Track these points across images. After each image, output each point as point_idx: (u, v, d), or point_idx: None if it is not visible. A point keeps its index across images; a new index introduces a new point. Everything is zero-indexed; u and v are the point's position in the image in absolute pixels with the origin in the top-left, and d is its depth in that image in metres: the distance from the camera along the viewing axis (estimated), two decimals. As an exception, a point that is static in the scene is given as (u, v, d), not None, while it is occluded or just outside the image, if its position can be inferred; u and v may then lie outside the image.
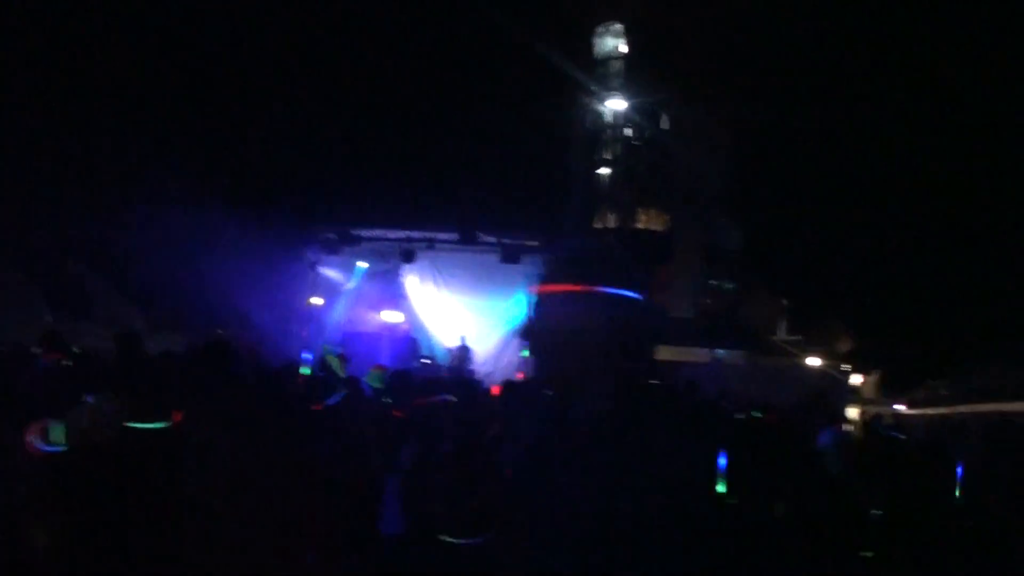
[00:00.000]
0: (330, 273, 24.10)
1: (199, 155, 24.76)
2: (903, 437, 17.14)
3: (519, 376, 19.88)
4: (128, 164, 25.48)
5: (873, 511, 6.81)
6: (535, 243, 22.15)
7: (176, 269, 23.35)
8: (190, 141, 24.75)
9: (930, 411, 30.33)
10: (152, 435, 3.31)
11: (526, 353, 22.40)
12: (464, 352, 22.03)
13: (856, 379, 34.47)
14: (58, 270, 24.63)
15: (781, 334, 32.77)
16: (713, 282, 31.84)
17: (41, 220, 24.57)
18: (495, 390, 10.26)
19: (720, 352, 25.54)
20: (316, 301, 23.53)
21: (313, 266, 23.26)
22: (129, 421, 3.40)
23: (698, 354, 24.70)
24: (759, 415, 13.32)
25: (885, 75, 32.99)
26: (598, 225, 29.84)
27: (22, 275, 24.03)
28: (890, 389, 38.96)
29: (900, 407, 35.30)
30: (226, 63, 26.48)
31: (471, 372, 20.63)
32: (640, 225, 30.50)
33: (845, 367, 32.03)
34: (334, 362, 9.68)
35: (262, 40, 26.84)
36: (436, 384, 7.05)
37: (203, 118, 25.05)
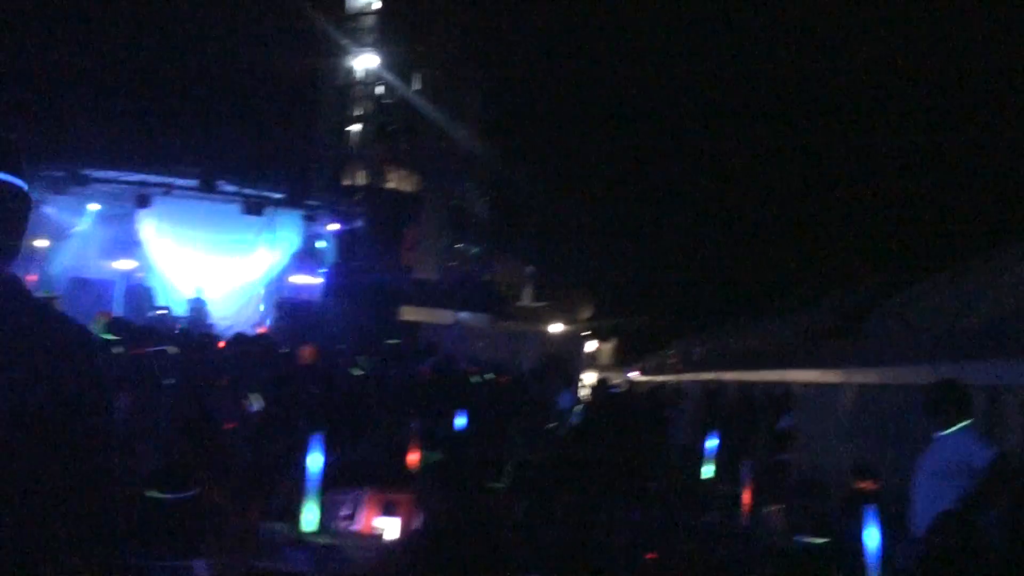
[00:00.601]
0: (56, 214, 22.50)
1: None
2: (621, 390, 18.23)
3: (261, 331, 19.36)
4: None
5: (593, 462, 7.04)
6: (279, 196, 21.56)
7: None
8: None
9: (659, 378, 32.07)
10: None
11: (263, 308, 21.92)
12: (201, 304, 21.19)
13: (593, 346, 35.89)
14: None
15: (526, 300, 33.58)
16: (460, 245, 32.16)
17: None
18: (221, 344, 9.89)
19: (464, 315, 25.82)
20: (40, 243, 21.91)
21: (37, 205, 21.61)
22: None
23: (442, 316, 24.88)
24: (492, 376, 13.61)
25: (625, 38, 34.28)
26: (347, 182, 29.38)
27: None
28: (624, 357, 40.91)
29: (633, 374, 37.18)
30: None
31: (208, 325, 19.87)
32: (389, 184, 30.27)
33: (585, 334, 33.30)
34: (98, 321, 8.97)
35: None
36: (159, 334, 6.64)
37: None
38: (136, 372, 5.79)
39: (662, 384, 28.20)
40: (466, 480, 6.95)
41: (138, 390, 5.57)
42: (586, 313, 35.89)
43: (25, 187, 2.07)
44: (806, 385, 14.38)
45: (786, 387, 14.99)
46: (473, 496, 6.59)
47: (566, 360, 21.75)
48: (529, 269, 34.73)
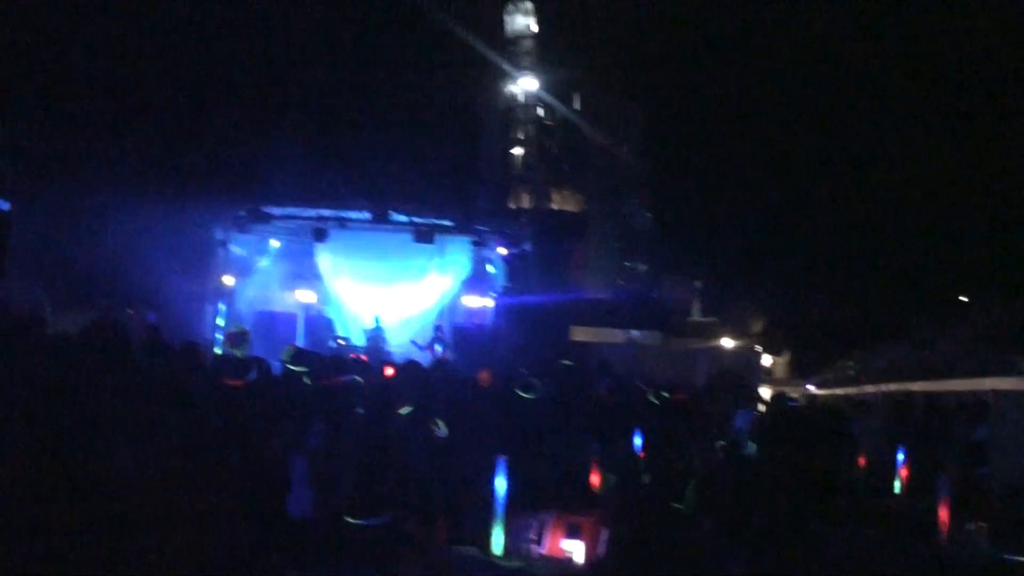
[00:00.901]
0: (241, 251, 23.60)
1: (106, 130, 24.04)
2: (800, 403, 17.51)
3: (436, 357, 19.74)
4: (29, 137, 24.65)
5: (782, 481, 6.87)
6: (449, 223, 21.96)
7: (83, 247, 22.70)
8: (97, 115, 24.00)
9: (839, 391, 31.03)
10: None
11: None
12: (378, 333, 21.77)
13: (768, 360, 35.09)
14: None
15: (695, 315, 33.16)
16: (627, 263, 32.02)
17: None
18: (389, 372, 10.13)
19: (634, 333, 25.67)
20: (227, 280, 23.01)
21: (223, 244, 22.73)
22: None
23: (612, 335, 24.80)
24: (667, 395, 13.43)
25: (804, 57, 33.48)
26: (513, 206, 29.74)
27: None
28: (800, 370, 39.75)
29: (810, 387, 36.07)
30: (138, 38, 25.78)
31: (386, 353, 20.42)
32: (554, 206, 30.47)
33: (757, 348, 32.57)
34: (225, 340, 9.32)
35: (175, 15, 26.17)
36: (345, 364, 6.87)
37: (111, 92, 24.30)
38: (328, 402, 6.00)
39: (843, 397, 27.30)
40: (649, 501, 6.91)
41: (330, 419, 5.78)
42: (758, 327, 35.14)
43: (6, 207, 2.20)
44: (1002, 393, 13.65)
45: (978, 396, 14.28)
46: (658, 517, 6.55)
47: (741, 375, 21.31)
48: (698, 284, 34.26)
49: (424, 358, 20.69)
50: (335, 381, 6.16)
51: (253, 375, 6.48)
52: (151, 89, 24.42)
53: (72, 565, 3.29)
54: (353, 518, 4.21)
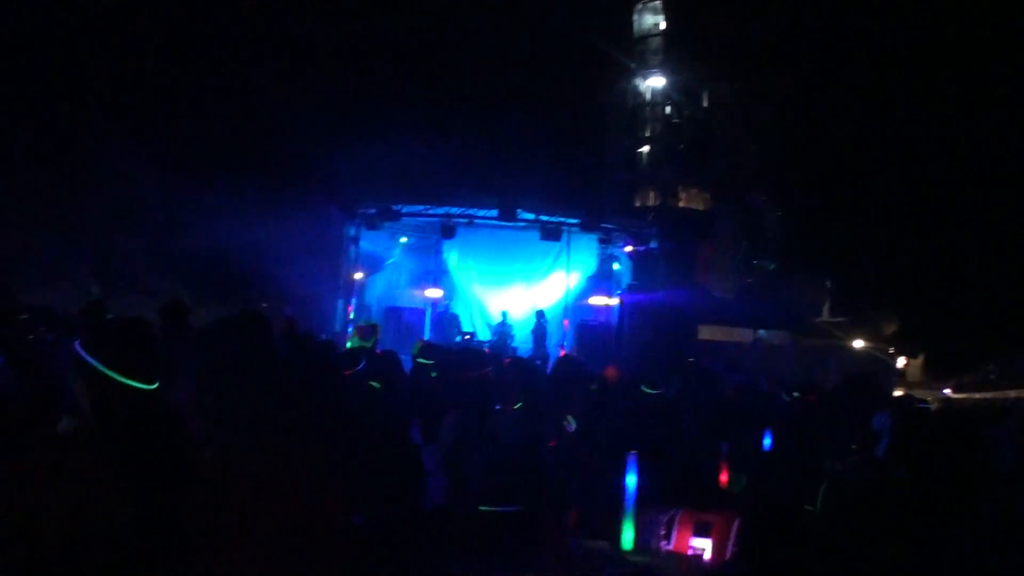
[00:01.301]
0: (371, 248, 24.17)
1: (243, 131, 24.87)
2: (931, 407, 16.80)
3: (562, 352, 19.84)
4: (171, 138, 25.67)
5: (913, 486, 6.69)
6: (575, 221, 22.03)
7: (220, 244, 23.54)
8: (234, 117, 24.85)
9: (977, 395, 29.90)
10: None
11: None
12: (504, 328, 22.01)
13: (902, 362, 34.04)
14: (104, 244, 24.92)
15: (825, 315, 32.42)
16: (755, 261, 31.50)
17: (87, 194, 24.86)
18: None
19: (762, 332, 25.30)
20: (357, 276, 23.61)
21: (354, 241, 23.32)
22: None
23: (740, 334, 24.48)
24: (798, 395, 13.16)
25: (935, 52, 32.40)
26: (639, 204, 29.60)
27: (69, 249, 24.33)
28: (936, 372, 38.36)
29: (947, 391, 34.79)
30: (272, 39, 26.59)
31: (512, 348, 20.64)
32: (681, 204, 30.20)
33: (890, 350, 31.63)
34: (355, 332, 9.62)
35: (306, 17, 26.87)
36: (476, 357, 6.97)
37: (247, 94, 25.13)
38: (463, 396, 6.12)
39: (980, 401, 26.30)
40: (780, 502, 6.83)
41: (465, 412, 5.90)
42: (892, 328, 34.16)
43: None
44: None
45: None
46: (788, 518, 6.47)
47: (873, 377, 20.76)
48: (828, 283, 33.50)
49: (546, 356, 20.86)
50: (470, 374, 6.27)
51: (362, 365, 6.67)
52: (291, 90, 25.15)
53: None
54: (486, 506, 4.28)
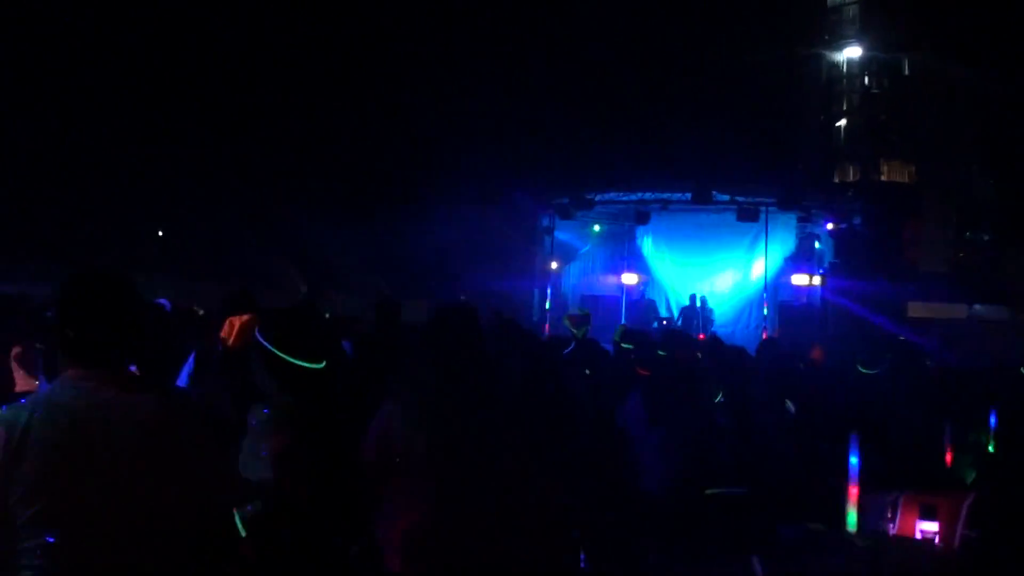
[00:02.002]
0: (565, 238, 24.35)
1: (438, 128, 25.49)
2: None
3: (764, 335, 19.48)
4: (367, 135, 26.59)
5: None
6: (772, 200, 21.50)
7: (419, 240, 24.22)
8: (428, 114, 25.50)
9: None
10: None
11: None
12: (704, 312, 21.76)
13: None
14: (310, 245, 26.05)
15: (1046, 287, 30.50)
16: (967, 234, 29.91)
17: (290, 199, 26.07)
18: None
19: (977, 307, 24.01)
20: (553, 266, 23.82)
21: (549, 231, 23.55)
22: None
23: (954, 310, 23.30)
24: (1024, 371, 12.41)
25: None
26: (839, 180, 28.62)
27: (278, 251, 25.59)
28: None
29: None
30: (459, 32, 27.14)
31: (712, 333, 20.36)
32: (883, 178, 29.02)
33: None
34: (567, 321, 9.78)
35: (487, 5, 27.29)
36: (684, 341, 6.92)
37: (440, 90, 25.73)
38: (668, 379, 6.09)
39: None
40: (1010, 483, 6.49)
41: (674, 395, 5.88)
42: (1122, 298, 31.80)
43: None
44: None
45: None
46: (1020, 500, 6.14)
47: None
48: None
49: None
50: (682, 355, 6.24)
51: (572, 347, 6.72)
52: (485, 83, 25.57)
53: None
54: (716, 489, 4.26)
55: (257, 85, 26.31)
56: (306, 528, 3.27)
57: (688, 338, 6.64)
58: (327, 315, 9.68)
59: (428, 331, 3.86)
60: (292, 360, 3.40)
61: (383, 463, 3.51)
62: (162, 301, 8.39)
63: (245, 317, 3.68)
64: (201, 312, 9.22)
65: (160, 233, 27.56)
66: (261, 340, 3.43)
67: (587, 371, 6.49)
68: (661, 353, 6.08)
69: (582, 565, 5.62)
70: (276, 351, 3.40)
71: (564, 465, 4.28)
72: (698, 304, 22.38)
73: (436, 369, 3.69)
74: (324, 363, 3.49)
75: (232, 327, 3.54)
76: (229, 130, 25.62)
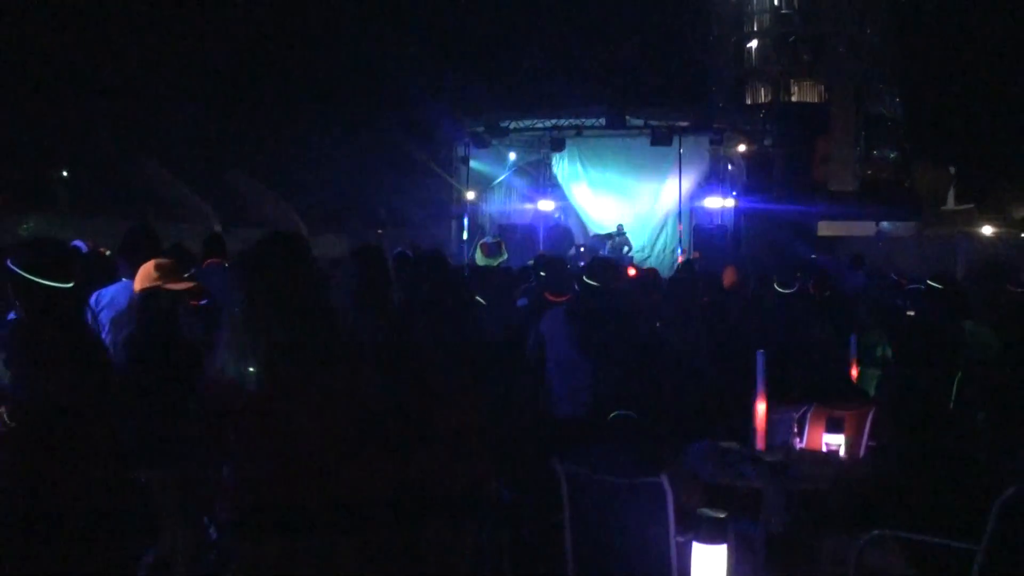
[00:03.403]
0: (482, 167, 24.21)
1: (348, 60, 25.06)
2: None
3: (680, 259, 19.70)
4: (279, 75, 26.04)
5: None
6: (686, 123, 21.62)
7: (331, 173, 23.92)
8: (339, 46, 25.04)
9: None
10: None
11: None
12: (620, 238, 21.89)
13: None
14: (223, 180, 25.59)
15: (950, 203, 31.36)
16: (875, 152, 30.52)
17: (204, 135, 25.51)
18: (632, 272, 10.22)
19: (885, 225, 24.60)
20: (470, 196, 23.73)
21: (465, 161, 23.39)
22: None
23: (862, 228, 23.85)
24: (932, 285, 12.73)
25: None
26: (750, 101, 28.90)
27: (189, 188, 25.10)
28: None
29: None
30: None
31: (629, 258, 20.55)
32: (794, 98, 29.38)
33: (1022, 234, 30.44)
34: (480, 251, 9.70)
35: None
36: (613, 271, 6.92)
37: (349, 23, 25.26)
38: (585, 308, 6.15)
39: None
40: (914, 395, 6.70)
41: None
42: (1022, 209, 32.84)
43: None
44: None
45: None
46: (923, 411, 6.36)
47: (1008, 262, 20.04)
48: (952, 169, 32.28)
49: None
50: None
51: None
52: (392, 17, 25.19)
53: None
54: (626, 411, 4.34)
55: (162, 16, 25.54)
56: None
57: (617, 267, 6.64)
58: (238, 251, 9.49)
59: (249, 263, 3.80)
60: (37, 279, 3.52)
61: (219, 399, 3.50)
62: (78, 243, 8.17)
63: (167, 262, 3.63)
64: (108, 252, 9.00)
65: (65, 173, 26.81)
66: (10, 266, 3.54)
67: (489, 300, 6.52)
68: (592, 283, 6.09)
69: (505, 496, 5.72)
70: (22, 272, 3.51)
71: (458, 395, 4.33)
72: (603, 230, 22.53)
73: (253, 302, 3.60)
74: (71, 283, 3.63)
75: (144, 273, 3.52)
76: (139, 60, 24.91)
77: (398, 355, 4.22)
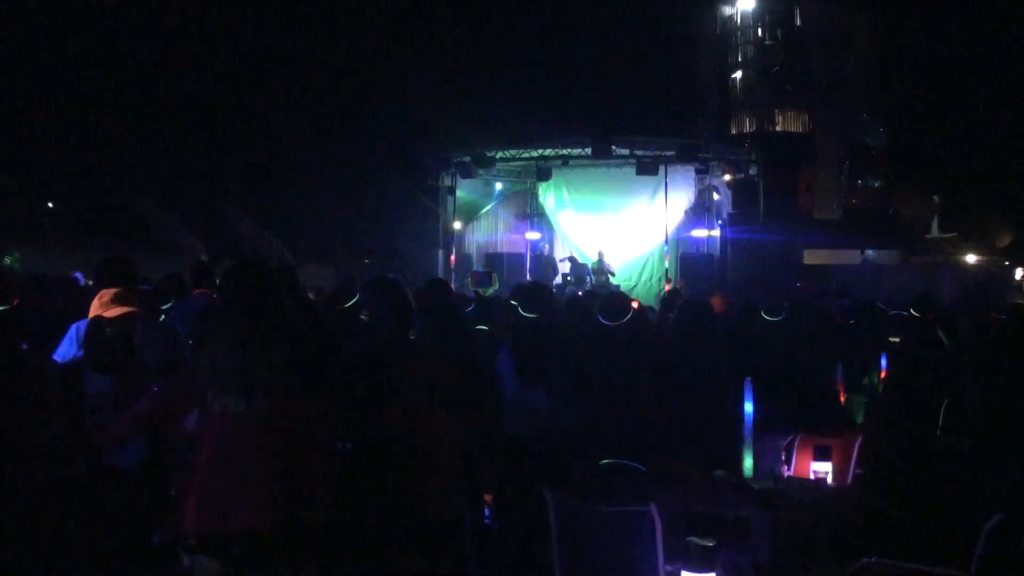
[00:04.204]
0: (468, 197, 24.27)
1: (334, 90, 25.14)
2: None
3: (667, 287, 19.73)
4: (267, 105, 26.09)
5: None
6: (671, 153, 21.72)
7: (319, 204, 23.91)
8: (326, 76, 25.14)
9: (1101, 302, 28.68)
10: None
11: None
12: (604, 267, 21.92)
13: (1019, 274, 32.85)
14: (211, 215, 25.57)
15: (934, 231, 31.50)
16: (859, 181, 30.69)
17: (193, 168, 25.51)
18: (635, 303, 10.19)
19: (870, 253, 24.70)
20: (456, 225, 23.76)
21: (451, 191, 23.43)
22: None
23: (848, 256, 23.95)
24: (916, 314, 12.76)
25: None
26: (735, 131, 29.06)
27: (178, 220, 25.07)
28: (1058, 284, 36.88)
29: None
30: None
31: (615, 286, 20.56)
32: (778, 128, 29.55)
33: (1006, 262, 30.58)
34: (469, 280, 9.68)
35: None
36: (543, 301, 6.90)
37: (336, 52, 25.36)
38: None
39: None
40: (900, 424, 6.71)
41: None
42: (1006, 240, 33.00)
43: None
44: None
45: None
46: (910, 440, 6.36)
47: (991, 291, 20.14)
48: (936, 198, 32.47)
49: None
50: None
51: (471, 309, 6.77)
52: (380, 45, 25.29)
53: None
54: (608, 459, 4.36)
55: (153, 48, 25.62)
56: None
57: (547, 297, 6.63)
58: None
59: (224, 290, 3.92)
60: None
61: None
62: (76, 275, 8.18)
63: (111, 291, 3.63)
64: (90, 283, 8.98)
65: (51, 205, 26.74)
66: None
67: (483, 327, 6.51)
68: (528, 315, 6.12)
69: (487, 520, 5.69)
70: None
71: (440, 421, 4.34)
72: (583, 259, 22.56)
73: (226, 331, 3.69)
74: (6, 306, 3.78)
75: (99, 302, 3.53)
76: (127, 96, 24.96)
77: (387, 380, 4.23)
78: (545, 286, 7.92)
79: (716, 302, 10.77)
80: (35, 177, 24.37)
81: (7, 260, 20.91)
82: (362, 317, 4.66)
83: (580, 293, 16.47)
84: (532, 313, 6.14)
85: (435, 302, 5.89)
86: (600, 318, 6.04)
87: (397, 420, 4.15)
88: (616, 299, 6.67)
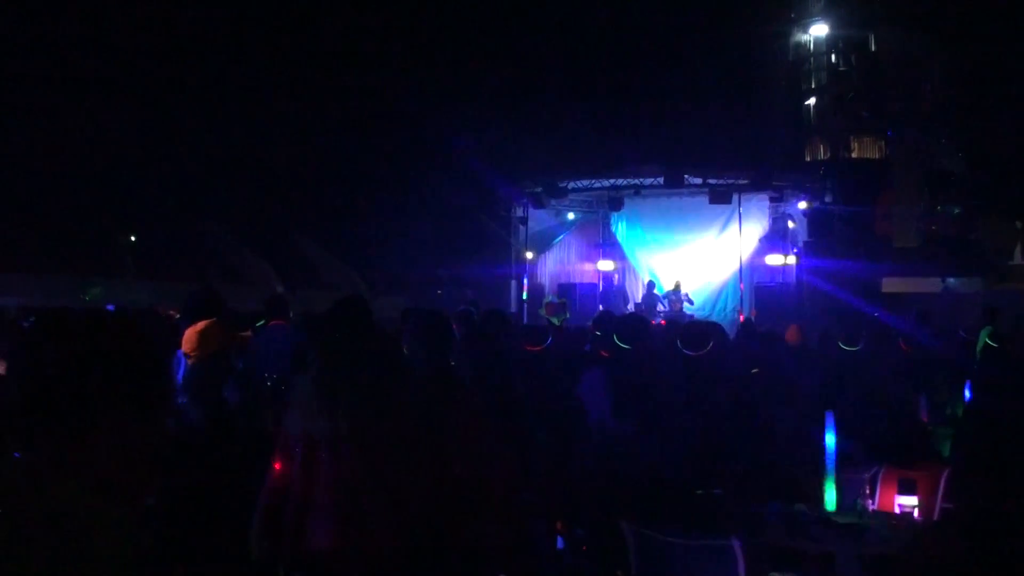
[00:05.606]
0: (540, 227, 24.35)
1: (405, 119, 25.42)
2: None
3: (741, 318, 19.54)
4: (341, 139, 26.49)
5: None
6: (745, 181, 21.56)
7: (393, 235, 24.15)
8: (398, 106, 25.43)
9: None
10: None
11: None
12: (678, 297, 21.79)
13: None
14: (286, 245, 25.96)
15: (1018, 258, 30.72)
16: (938, 207, 30.08)
17: (267, 199, 25.97)
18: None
19: (951, 281, 24.17)
20: (528, 255, 23.83)
21: (523, 221, 23.54)
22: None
23: (927, 284, 23.46)
24: (996, 344, 12.45)
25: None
26: (808, 158, 28.72)
27: (253, 252, 25.50)
28: None
29: None
30: (430, 24, 27.07)
31: (688, 316, 20.43)
32: (853, 154, 29.14)
33: (1093, 289, 29.70)
34: (544, 310, 9.74)
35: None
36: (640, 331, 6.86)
37: (409, 84, 25.66)
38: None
39: None
40: (988, 455, 6.53)
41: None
42: (1092, 265, 32.10)
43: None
44: None
45: None
46: (999, 472, 6.18)
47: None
48: (1020, 224, 31.70)
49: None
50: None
51: (550, 341, 6.75)
52: (451, 77, 25.53)
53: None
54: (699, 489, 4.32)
55: (224, 81, 26.16)
56: None
57: (642, 328, 6.57)
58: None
59: (321, 323, 4.05)
60: None
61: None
62: (109, 307, 8.32)
63: (202, 324, 3.70)
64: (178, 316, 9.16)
65: (132, 238, 27.40)
66: None
67: (564, 359, 6.51)
68: (624, 345, 6.08)
69: (559, 547, 5.67)
70: None
71: (498, 450, 4.35)
72: (660, 290, 22.40)
73: (323, 359, 3.84)
74: None
75: (192, 337, 3.59)
76: (201, 129, 25.49)
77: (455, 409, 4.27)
78: (643, 318, 7.90)
79: (792, 332, 10.65)
80: (114, 210, 24.98)
81: (91, 294, 21.44)
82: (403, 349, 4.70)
83: (655, 322, 16.43)
84: (629, 344, 6.12)
85: (484, 333, 5.92)
86: (682, 348, 5.99)
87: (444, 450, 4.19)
88: (694, 328, 6.62)
